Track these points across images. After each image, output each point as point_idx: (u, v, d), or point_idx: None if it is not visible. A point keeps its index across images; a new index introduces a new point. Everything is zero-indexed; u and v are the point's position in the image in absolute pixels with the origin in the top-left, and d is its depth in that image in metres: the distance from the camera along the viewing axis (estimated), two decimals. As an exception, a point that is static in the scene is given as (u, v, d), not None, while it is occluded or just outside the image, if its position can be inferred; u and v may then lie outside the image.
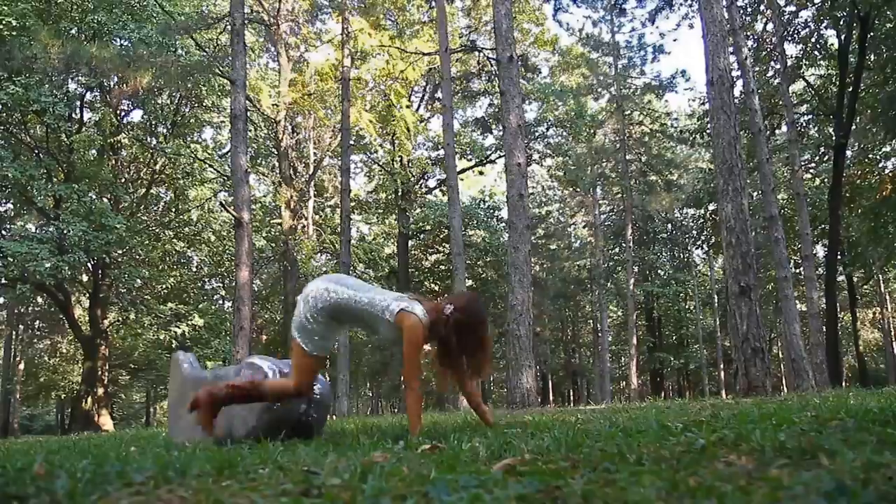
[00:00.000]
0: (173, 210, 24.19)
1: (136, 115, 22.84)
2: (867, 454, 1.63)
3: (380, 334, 3.68)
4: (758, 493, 1.26)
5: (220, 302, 30.11)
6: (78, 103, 19.66)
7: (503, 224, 25.89)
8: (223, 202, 14.60)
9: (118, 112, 20.96)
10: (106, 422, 20.18)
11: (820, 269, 23.20)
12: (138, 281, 21.34)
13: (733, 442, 2.19)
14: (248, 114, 22.72)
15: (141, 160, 22.45)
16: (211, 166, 23.09)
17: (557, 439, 2.56)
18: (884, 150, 23.38)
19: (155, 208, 24.21)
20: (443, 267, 27.86)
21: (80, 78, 18.41)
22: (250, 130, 24.05)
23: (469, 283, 27.82)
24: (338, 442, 3.07)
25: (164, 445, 3.53)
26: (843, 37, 18.58)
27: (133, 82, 15.27)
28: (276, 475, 1.89)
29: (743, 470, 1.64)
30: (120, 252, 20.59)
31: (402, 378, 3.90)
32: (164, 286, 23.60)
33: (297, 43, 23.30)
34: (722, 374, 32.19)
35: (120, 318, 22.16)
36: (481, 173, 27.59)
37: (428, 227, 26.11)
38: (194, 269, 27.93)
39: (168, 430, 4.64)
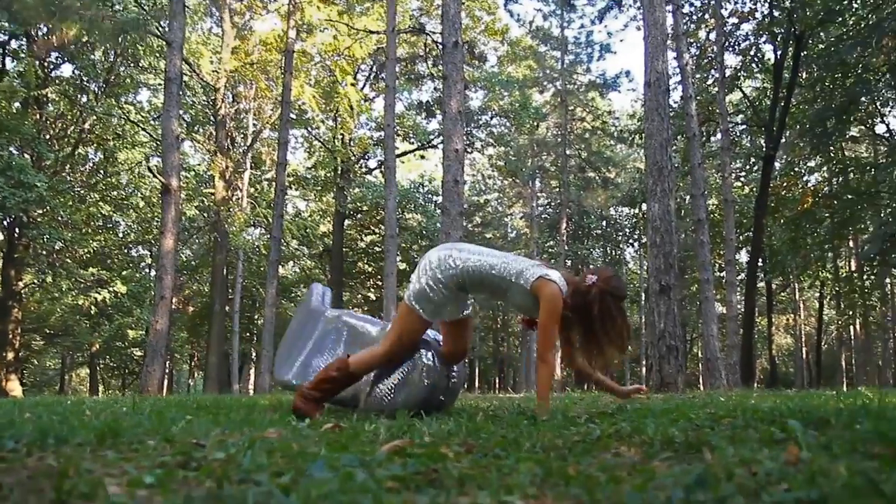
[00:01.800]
0: (101, 172, 23.31)
1: (67, 70, 21.85)
2: (746, 451, 1.68)
3: (510, 302, 3.47)
4: (628, 482, 1.29)
5: (147, 270, 29.27)
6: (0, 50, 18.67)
7: (440, 209, 25.94)
8: (151, 167, 14.14)
9: (45, 64, 19.98)
10: (14, 387, 19.39)
11: (742, 274, 24.06)
12: (59, 243, 20.51)
13: (628, 434, 2.24)
14: (187, 79, 22.07)
15: (69, 117, 21.50)
16: (144, 129, 22.34)
17: (460, 423, 2.57)
18: (809, 164, 24.39)
19: (81, 169, 23.28)
20: (378, 248, 27.75)
21: (2, 23, 17.42)
22: (188, 96, 23.36)
23: (402, 266, 27.80)
24: (245, 418, 3.01)
25: (61, 413, 3.39)
26: (779, 52, 19.23)
27: (60, 34, 14.52)
28: (161, 447, 1.83)
29: (629, 461, 1.67)
30: (40, 212, 19.73)
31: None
32: (86, 250, 22.74)
33: (242, 9, 22.67)
34: (644, 370, 33.12)
35: (36, 281, 21.26)
36: (423, 157, 27.56)
37: (365, 208, 25.94)
38: (120, 235, 27.04)
39: (275, 368, 4.32)
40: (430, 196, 27.53)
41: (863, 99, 18.97)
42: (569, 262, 30.67)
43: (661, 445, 1.96)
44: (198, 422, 2.63)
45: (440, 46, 10.05)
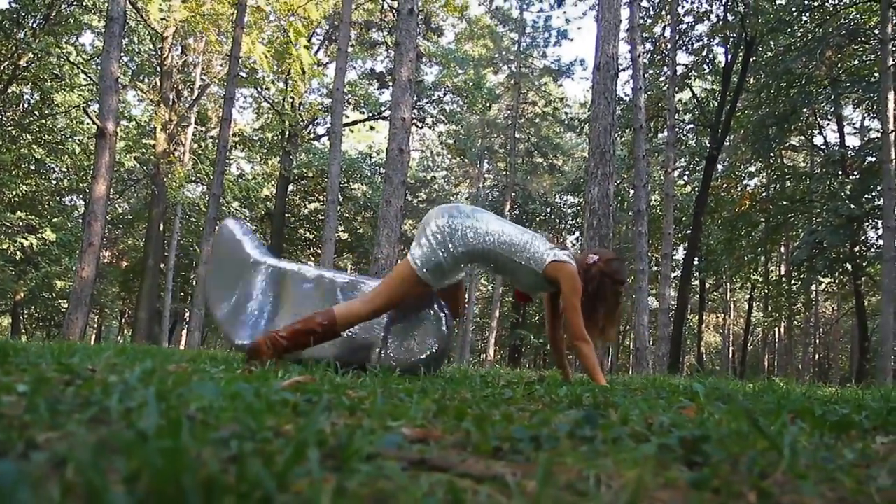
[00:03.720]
0: (36, 113, 22.28)
1: (2, 2, 20.75)
2: (649, 411, 1.70)
3: (513, 278, 3.47)
4: (521, 420, 1.28)
5: (79, 220, 28.26)
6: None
7: (383, 178, 25.75)
8: (88, 111, 13.56)
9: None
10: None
11: (677, 270, 24.62)
12: (-16, 184, 19.61)
13: (540, 397, 2.25)
14: (133, 24, 21.22)
15: (2, 52, 20.41)
16: (84, 72, 21.40)
17: (374, 376, 2.54)
18: (749, 169, 25.09)
19: (14, 108, 22.21)
20: (321, 216, 27.39)
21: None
22: (134, 42, 22.47)
23: (344, 235, 27.59)
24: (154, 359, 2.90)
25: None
26: (730, 56, 19.63)
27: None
28: (53, 368, 1.74)
29: (531, 412, 1.67)
30: (-35, 149, 18.81)
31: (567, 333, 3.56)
32: (14, 193, 21.77)
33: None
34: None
35: (-42, 221, 20.31)
36: (372, 128, 27.24)
37: (310, 174, 25.56)
38: (54, 182, 25.98)
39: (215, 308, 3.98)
40: (376, 167, 27.28)
41: (804, 109, 19.56)
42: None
43: (569, 404, 1.97)
44: (97, 356, 2.53)
45: (396, 13, 9.89)
